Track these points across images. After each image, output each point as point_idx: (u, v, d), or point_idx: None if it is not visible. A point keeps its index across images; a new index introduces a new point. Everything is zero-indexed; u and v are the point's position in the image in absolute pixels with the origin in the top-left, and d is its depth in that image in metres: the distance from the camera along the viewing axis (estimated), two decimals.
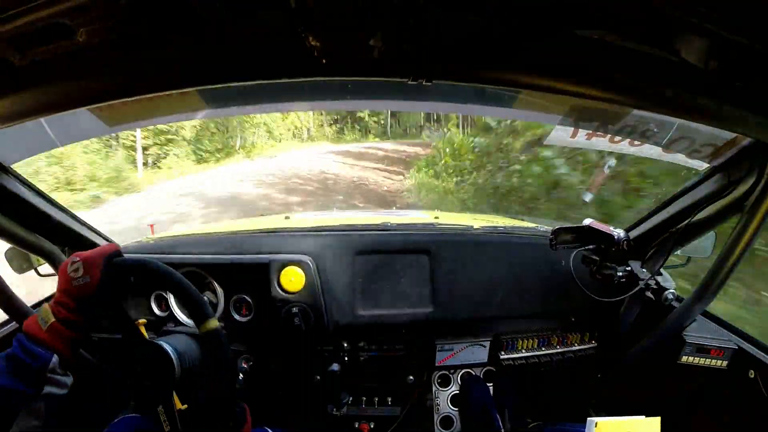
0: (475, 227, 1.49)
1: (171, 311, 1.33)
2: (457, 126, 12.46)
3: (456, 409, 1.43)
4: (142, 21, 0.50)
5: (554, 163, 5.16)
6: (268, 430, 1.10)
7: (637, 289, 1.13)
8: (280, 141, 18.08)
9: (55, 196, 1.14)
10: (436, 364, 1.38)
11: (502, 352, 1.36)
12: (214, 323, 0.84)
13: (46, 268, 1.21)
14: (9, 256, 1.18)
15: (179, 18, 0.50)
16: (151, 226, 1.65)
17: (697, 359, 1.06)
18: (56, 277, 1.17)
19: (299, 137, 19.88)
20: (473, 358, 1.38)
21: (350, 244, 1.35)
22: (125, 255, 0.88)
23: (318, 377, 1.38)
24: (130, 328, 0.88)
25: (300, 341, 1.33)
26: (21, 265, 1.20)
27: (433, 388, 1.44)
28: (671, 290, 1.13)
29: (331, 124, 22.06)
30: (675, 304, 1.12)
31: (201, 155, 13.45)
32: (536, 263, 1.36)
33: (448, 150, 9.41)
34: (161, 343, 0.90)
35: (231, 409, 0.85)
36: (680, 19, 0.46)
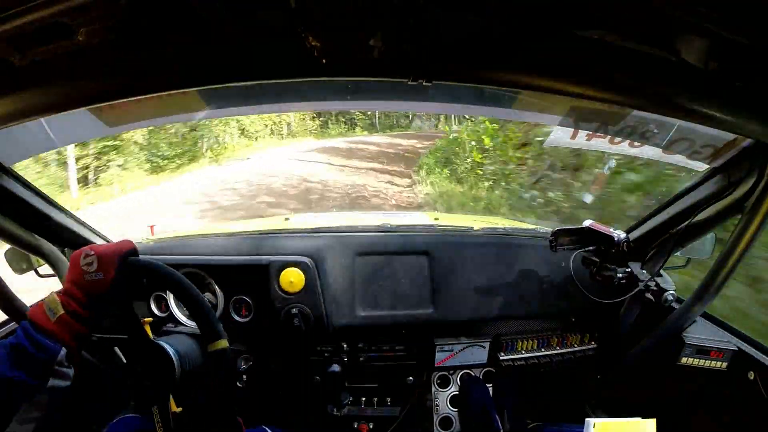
0: (475, 228, 1.49)
1: (171, 311, 1.34)
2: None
3: (455, 409, 1.43)
4: (142, 21, 0.50)
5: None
6: (268, 429, 1.10)
7: (636, 290, 1.13)
8: (256, 139, 15.86)
9: None
10: (436, 365, 1.38)
11: (502, 353, 1.36)
12: (224, 343, 0.84)
13: (45, 268, 1.21)
14: (8, 257, 1.18)
15: (179, 18, 0.50)
16: (151, 226, 1.64)
17: (696, 360, 1.06)
18: (55, 278, 1.18)
19: (278, 134, 17.55)
20: (473, 358, 1.38)
21: (350, 246, 1.35)
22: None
23: (318, 377, 1.38)
24: (137, 328, 0.87)
25: (300, 342, 1.33)
26: (20, 265, 1.20)
27: (433, 389, 1.44)
28: (671, 291, 1.13)
29: (313, 118, 19.64)
30: (675, 305, 1.12)
31: (157, 163, 10.67)
32: (536, 264, 1.36)
33: (474, 144, 6.83)
34: (164, 345, 0.90)
35: (227, 422, 0.85)
36: (680, 19, 0.46)
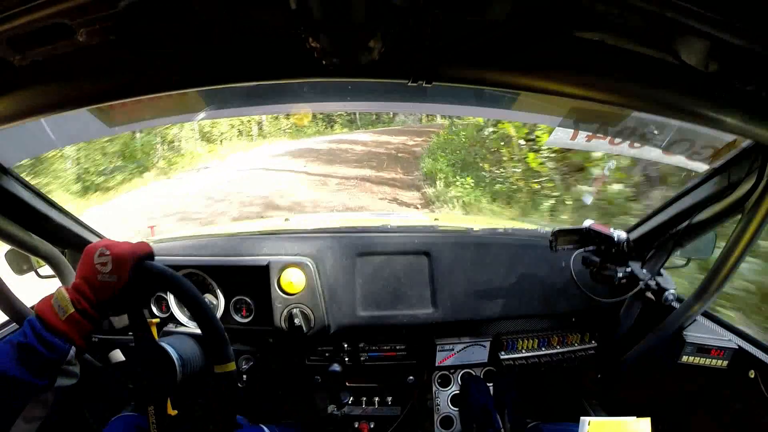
0: (475, 228, 1.49)
1: (171, 312, 1.34)
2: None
3: (456, 409, 1.43)
4: (142, 21, 0.50)
5: None
6: (267, 429, 1.10)
7: (637, 289, 1.13)
8: (221, 143, 12.50)
9: None
10: (437, 364, 1.38)
11: (503, 352, 1.36)
12: (232, 366, 0.84)
13: (46, 269, 1.20)
14: (9, 258, 1.18)
15: (179, 18, 0.50)
16: (152, 227, 1.65)
17: (697, 359, 1.06)
18: (56, 279, 1.18)
19: (247, 135, 14.15)
20: (473, 358, 1.38)
21: (350, 246, 1.35)
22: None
23: (318, 377, 1.38)
24: (144, 330, 0.86)
25: (300, 342, 1.33)
26: (21, 266, 1.19)
27: (434, 388, 1.44)
28: (671, 290, 1.13)
29: (287, 116, 14.92)
30: (675, 304, 1.12)
31: (88, 182, 7.68)
32: (536, 264, 1.36)
33: (523, 143, 4.93)
34: (168, 348, 0.90)
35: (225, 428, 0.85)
36: (680, 21, 0.46)
